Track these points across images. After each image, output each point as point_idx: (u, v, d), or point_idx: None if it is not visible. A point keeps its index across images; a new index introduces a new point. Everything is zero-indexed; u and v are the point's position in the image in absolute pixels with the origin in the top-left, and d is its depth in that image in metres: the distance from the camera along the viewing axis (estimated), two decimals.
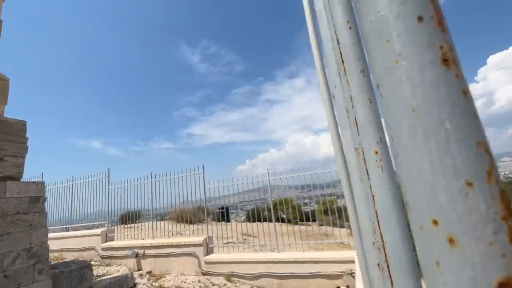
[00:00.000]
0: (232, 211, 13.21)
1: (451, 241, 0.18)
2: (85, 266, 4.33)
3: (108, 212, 7.59)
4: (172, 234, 6.69)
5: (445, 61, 0.20)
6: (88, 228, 8.09)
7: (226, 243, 6.10)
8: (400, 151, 0.21)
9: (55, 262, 4.95)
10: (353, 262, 4.33)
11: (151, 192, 7.04)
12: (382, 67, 0.22)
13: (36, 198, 3.78)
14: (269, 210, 6.45)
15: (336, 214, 5.43)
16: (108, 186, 7.67)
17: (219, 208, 10.25)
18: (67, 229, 8.32)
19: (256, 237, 6.46)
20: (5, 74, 4.02)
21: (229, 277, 5.29)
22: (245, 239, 6.88)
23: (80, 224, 8.25)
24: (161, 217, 8.02)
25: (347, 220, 5.53)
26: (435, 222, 0.19)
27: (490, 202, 0.17)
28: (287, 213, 9.50)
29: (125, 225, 7.66)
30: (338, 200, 7.52)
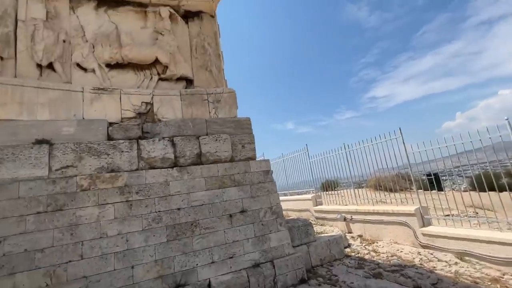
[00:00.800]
0: (443, 178, 10.87)
1: None
2: (308, 224, 5.28)
3: (312, 181, 8.88)
4: (376, 202, 6.58)
5: None
6: (298, 194, 9.88)
7: (447, 215, 5.08)
8: None
9: (285, 218, 6.46)
10: None
11: (347, 161, 7.29)
12: None
13: (266, 171, 5.05)
14: None
15: None
16: (308, 159, 8.91)
17: (425, 175, 8.78)
18: (285, 195, 10.64)
19: (491, 211, 4.85)
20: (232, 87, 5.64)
21: (461, 255, 4.38)
22: (477, 213, 5.36)
23: (293, 191, 10.28)
24: (358, 185, 8.13)
25: None
26: None
27: None
28: None
29: (326, 192, 8.55)
30: None
